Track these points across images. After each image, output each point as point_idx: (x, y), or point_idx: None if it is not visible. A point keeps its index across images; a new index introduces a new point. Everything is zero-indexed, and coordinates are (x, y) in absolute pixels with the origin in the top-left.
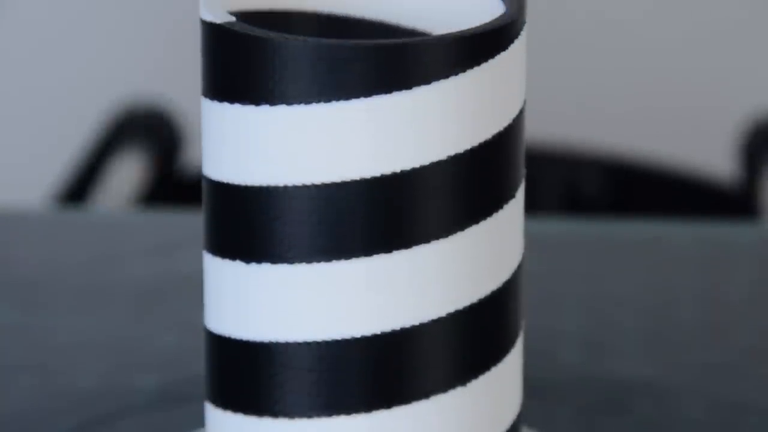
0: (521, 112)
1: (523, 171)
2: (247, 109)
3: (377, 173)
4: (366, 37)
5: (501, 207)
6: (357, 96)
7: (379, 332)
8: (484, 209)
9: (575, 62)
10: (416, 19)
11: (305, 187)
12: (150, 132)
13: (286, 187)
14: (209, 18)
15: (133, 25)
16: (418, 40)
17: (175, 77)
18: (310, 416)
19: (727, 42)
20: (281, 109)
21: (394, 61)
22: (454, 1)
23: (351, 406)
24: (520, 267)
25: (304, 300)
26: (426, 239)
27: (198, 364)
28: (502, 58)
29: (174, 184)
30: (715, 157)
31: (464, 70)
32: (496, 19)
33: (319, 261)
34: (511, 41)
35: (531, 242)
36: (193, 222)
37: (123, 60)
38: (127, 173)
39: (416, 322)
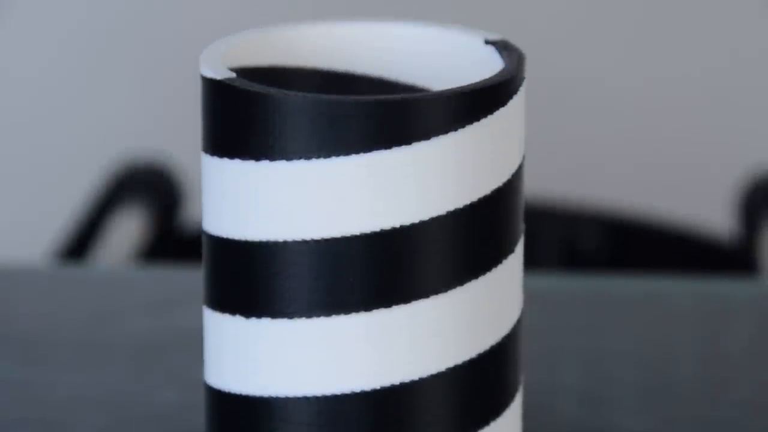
0: (520, 168)
1: (522, 226)
2: (247, 165)
3: (377, 228)
4: (366, 93)
5: (500, 262)
6: (357, 151)
7: (378, 387)
8: (483, 264)
9: (574, 118)
10: (416, 76)
11: (305, 242)
12: (150, 188)
13: (285, 242)
14: (209, 74)
15: (132, 82)
16: (418, 96)
17: (174, 134)
18: None
19: (726, 99)
20: (281, 165)
21: (393, 116)
22: (454, 57)
23: None
24: (519, 321)
25: (303, 355)
26: (425, 294)
27: (198, 420)
28: (501, 113)
29: (174, 240)
30: (713, 213)
31: (464, 126)
32: (495, 75)
33: (318, 316)
34: (510, 97)
35: (530, 297)
36: (193, 278)
37: (123, 117)
38: (128, 229)
39: (416, 377)
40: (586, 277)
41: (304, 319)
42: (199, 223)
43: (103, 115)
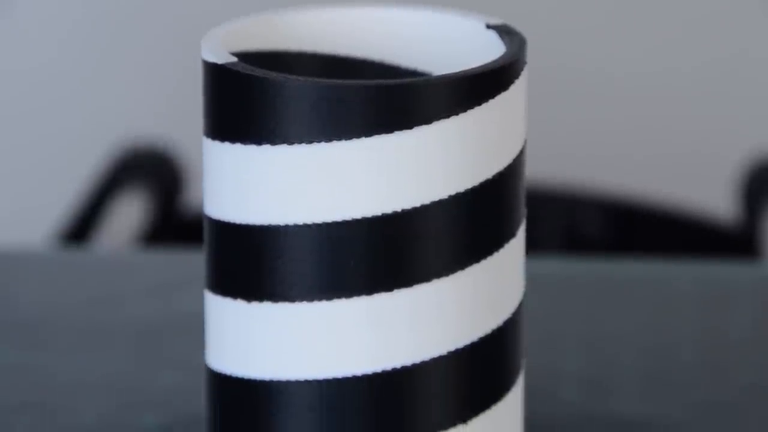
0: (522, 152)
1: (523, 210)
2: (249, 149)
3: (378, 212)
4: (367, 78)
5: (502, 246)
6: (358, 135)
7: (379, 370)
8: (485, 248)
9: (576, 103)
10: (417, 60)
11: (306, 226)
12: (151, 172)
13: (287, 226)
14: (211, 58)
15: (134, 66)
16: (420, 80)
17: (176, 118)
18: None
19: (728, 83)
20: (282, 149)
21: (395, 100)
22: (455, 41)
23: None
24: (520, 305)
25: (304, 338)
26: (427, 278)
27: (199, 403)
28: (503, 97)
29: (175, 224)
30: (715, 197)
31: (465, 110)
32: (497, 59)
33: (320, 299)
34: (512, 81)
35: (531, 281)
36: (194, 262)
37: (124, 101)
38: (129, 213)
39: (417, 360)
40: (588, 262)
41: (305, 302)
42: (201, 207)
43: (104, 100)
